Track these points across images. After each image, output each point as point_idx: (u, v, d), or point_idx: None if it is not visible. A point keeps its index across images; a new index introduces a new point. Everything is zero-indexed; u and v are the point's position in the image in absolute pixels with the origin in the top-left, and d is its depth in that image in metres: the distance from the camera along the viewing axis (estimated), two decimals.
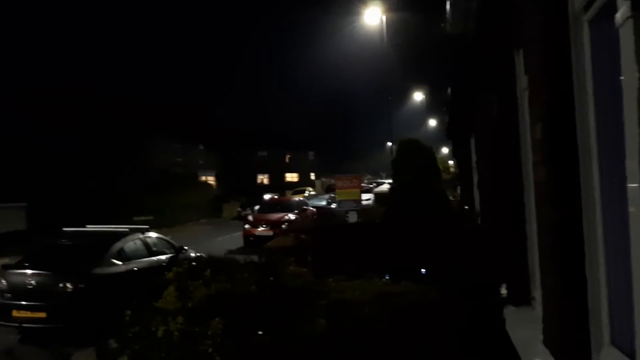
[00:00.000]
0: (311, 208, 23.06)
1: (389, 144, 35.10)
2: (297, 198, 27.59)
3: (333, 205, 23.60)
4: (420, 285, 5.00)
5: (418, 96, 45.75)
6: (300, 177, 64.82)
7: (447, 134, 19.52)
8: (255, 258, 6.19)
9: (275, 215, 20.33)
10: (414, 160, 8.45)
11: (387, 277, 5.74)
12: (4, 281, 8.33)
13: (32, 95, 25.86)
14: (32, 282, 8.17)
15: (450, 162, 31.39)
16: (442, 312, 4.39)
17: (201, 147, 48.64)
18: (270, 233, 17.71)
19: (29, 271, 8.32)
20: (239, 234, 20.47)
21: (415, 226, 6.50)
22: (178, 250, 10.38)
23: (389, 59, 25.87)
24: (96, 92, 30.45)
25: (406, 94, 45.44)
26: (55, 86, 27.92)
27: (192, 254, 10.38)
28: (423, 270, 5.88)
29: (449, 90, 11.99)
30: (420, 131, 46.49)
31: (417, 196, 7.19)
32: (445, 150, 43.63)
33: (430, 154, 8.74)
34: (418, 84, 42.83)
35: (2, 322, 8.19)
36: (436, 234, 6.18)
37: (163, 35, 53.09)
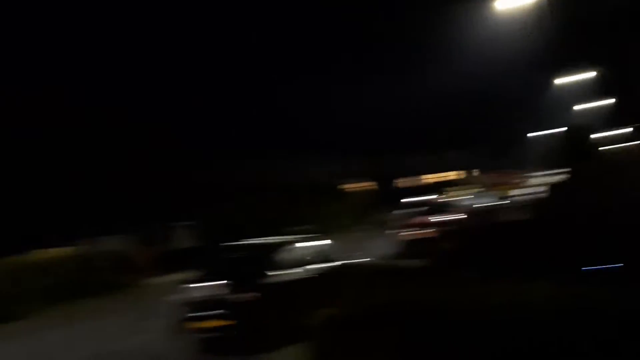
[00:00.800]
0: (468, 207, 22.06)
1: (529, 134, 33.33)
2: (453, 198, 26.70)
3: (491, 203, 22.34)
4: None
5: (564, 79, 41.37)
6: (456, 175, 62.62)
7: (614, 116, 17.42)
8: (413, 263, 5.97)
9: (431, 218, 19.78)
10: (583, 147, 7.59)
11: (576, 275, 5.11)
12: (184, 295, 9.04)
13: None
14: (211, 294, 8.73)
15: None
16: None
17: (352, 156, 49.28)
18: (427, 236, 17.22)
19: (206, 284, 8.93)
20: (394, 239, 20.20)
21: (602, 218, 5.75)
22: (339, 257, 10.50)
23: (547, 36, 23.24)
24: None
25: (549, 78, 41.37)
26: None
27: (350, 261, 10.43)
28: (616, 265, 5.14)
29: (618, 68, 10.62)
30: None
31: (598, 186, 6.39)
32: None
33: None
34: (576, 64, 38.90)
35: (184, 334, 8.81)
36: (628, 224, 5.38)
37: None
